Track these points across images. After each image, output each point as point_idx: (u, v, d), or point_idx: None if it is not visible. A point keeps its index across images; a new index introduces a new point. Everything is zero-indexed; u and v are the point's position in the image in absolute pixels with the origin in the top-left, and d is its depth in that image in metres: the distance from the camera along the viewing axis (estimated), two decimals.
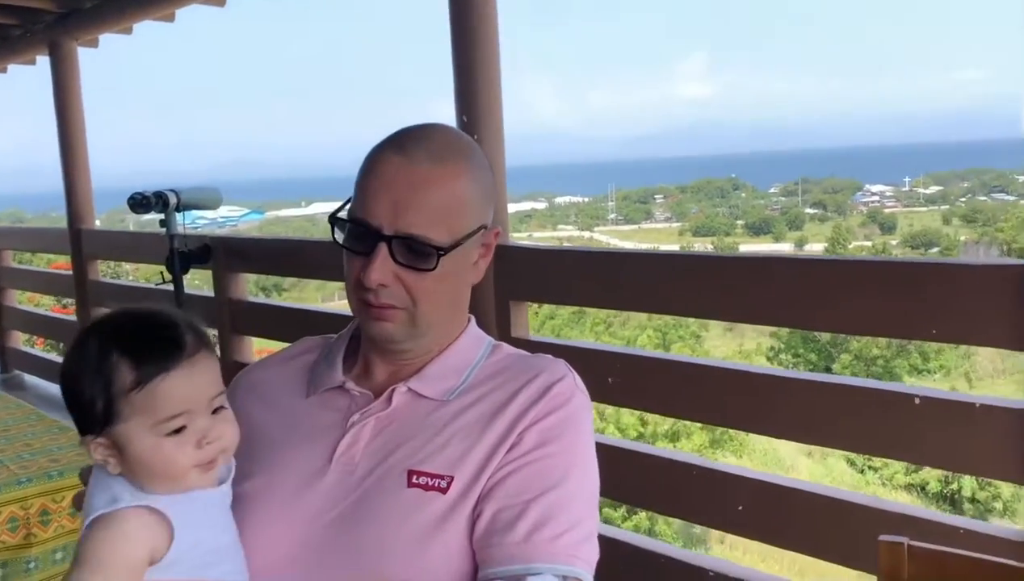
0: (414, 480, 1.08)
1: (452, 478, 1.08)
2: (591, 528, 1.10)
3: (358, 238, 1.12)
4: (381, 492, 1.09)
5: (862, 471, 21.29)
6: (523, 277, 2.80)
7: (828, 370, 24.18)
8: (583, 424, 1.15)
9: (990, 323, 1.89)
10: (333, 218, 1.15)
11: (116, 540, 0.92)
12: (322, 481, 1.11)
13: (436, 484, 1.08)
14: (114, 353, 0.94)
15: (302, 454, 1.13)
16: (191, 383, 0.96)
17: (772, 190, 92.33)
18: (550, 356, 1.21)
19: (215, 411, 0.99)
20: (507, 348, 1.26)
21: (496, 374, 1.19)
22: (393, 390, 1.17)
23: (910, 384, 6.92)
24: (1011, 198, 74.93)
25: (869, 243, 54.21)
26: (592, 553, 1.09)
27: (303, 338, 1.36)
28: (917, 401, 1.98)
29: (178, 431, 0.95)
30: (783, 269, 2.28)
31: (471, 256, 1.18)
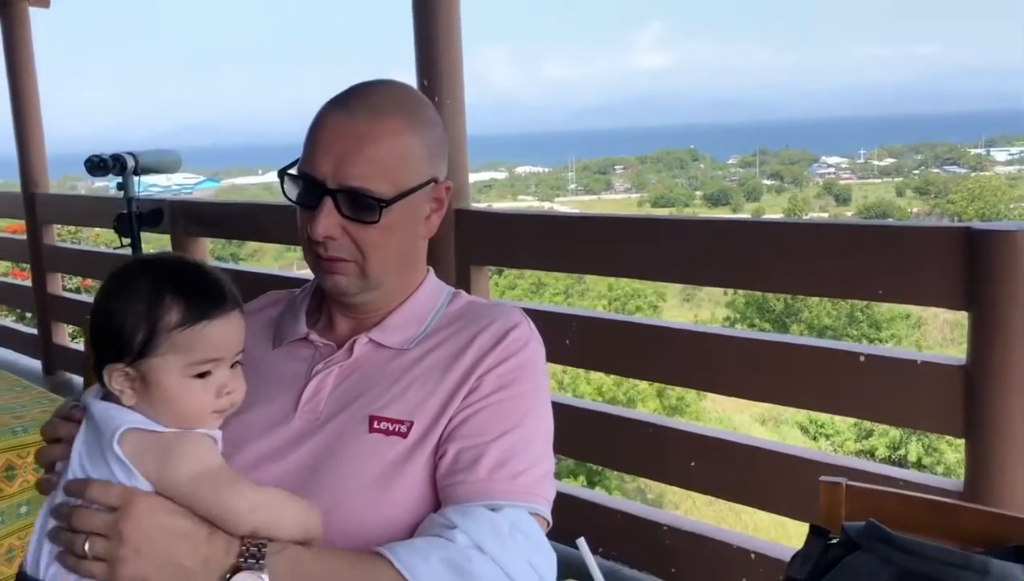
0: (375, 426, 1.13)
1: (412, 423, 1.12)
2: (548, 467, 1.16)
3: (305, 192, 1.16)
4: (344, 438, 1.13)
5: (815, 438, 21.77)
6: (482, 242, 2.84)
7: None
8: (539, 369, 1.20)
9: (934, 283, 1.97)
10: (282, 173, 1.18)
11: (209, 446, 1.00)
12: (288, 427, 1.15)
13: (397, 429, 1.12)
14: (167, 291, 0.99)
15: (269, 402, 1.17)
16: (226, 334, 1.02)
17: (730, 161, 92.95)
18: (506, 302, 1.26)
19: (233, 366, 1.05)
20: (465, 296, 1.30)
21: (453, 321, 1.23)
22: (355, 341, 1.21)
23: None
24: (963, 171, 76.26)
25: (825, 214, 54.92)
26: (550, 491, 1.15)
27: (267, 292, 1.39)
28: (862, 358, 2.06)
29: (203, 375, 1.00)
30: (737, 232, 2.35)
31: (421, 209, 1.20)
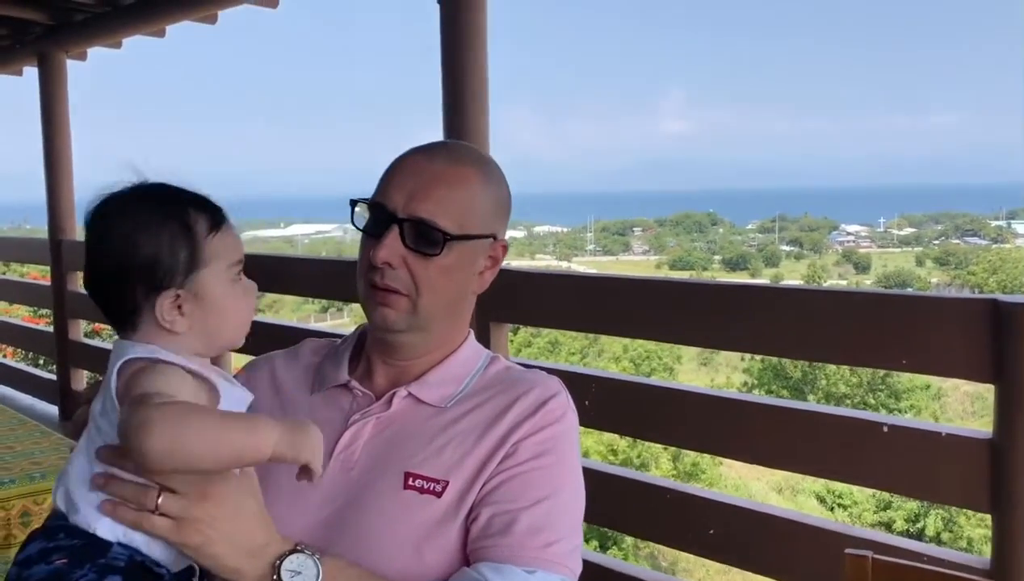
0: (410, 483, 1.12)
1: (447, 483, 1.12)
2: (577, 542, 1.15)
3: (373, 221, 1.19)
4: (377, 492, 1.13)
5: (831, 508, 21.40)
6: (503, 300, 2.84)
7: None
8: (574, 440, 1.20)
9: (959, 355, 1.95)
10: (354, 202, 1.22)
11: (175, 380, 0.96)
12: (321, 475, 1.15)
13: (431, 488, 1.12)
14: (187, 205, 1.00)
15: None
16: (238, 235, 1.05)
17: (749, 226, 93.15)
18: (544, 372, 1.25)
19: None
20: (502, 360, 1.30)
21: (493, 385, 1.23)
22: (394, 393, 1.21)
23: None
24: (983, 242, 76.07)
25: (844, 282, 54.77)
26: (578, 565, 1.14)
27: (306, 339, 1.40)
28: (885, 429, 2.04)
29: (238, 279, 1.03)
30: (758, 298, 2.35)
31: (477, 261, 1.23)
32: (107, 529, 0.94)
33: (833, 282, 56.45)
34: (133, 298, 0.98)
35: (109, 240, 0.98)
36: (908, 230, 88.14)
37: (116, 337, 1.04)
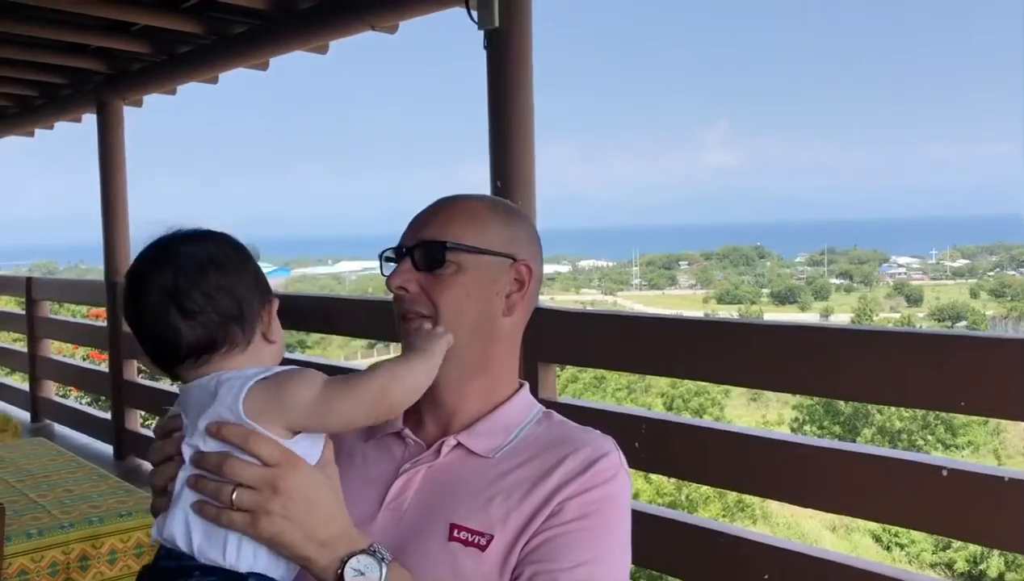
0: (455, 534, 1.12)
1: (492, 536, 1.11)
2: None
3: (390, 261, 1.25)
4: (423, 542, 1.12)
5: (888, 548, 20.84)
6: (550, 339, 2.84)
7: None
8: (623, 503, 1.17)
9: (1019, 397, 1.90)
10: (381, 255, 1.27)
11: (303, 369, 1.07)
12: (372, 525, 1.15)
13: (476, 541, 1.11)
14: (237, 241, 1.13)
15: (357, 496, 1.17)
16: None
17: (798, 259, 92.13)
18: (598, 431, 1.24)
19: None
20: (556, 416, 1.29)
21: (544, 440, 1.22)
22: (443, 442, 1.21)
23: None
24: None
25: (896, 315, 53.77)
26: None
27: None
28: (945, 473, 1.99)
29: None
30: (810, 337, 2.31)
31: (498, 281, 1.23)
32: (244, 562, 1.00)
33: (885, 315, 55.44)
34: (247, 320, 1.07)
35: (212, 271, 1.06)
36: (961, 261, 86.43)
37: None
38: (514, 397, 1.27)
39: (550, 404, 2.45)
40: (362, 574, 0.99)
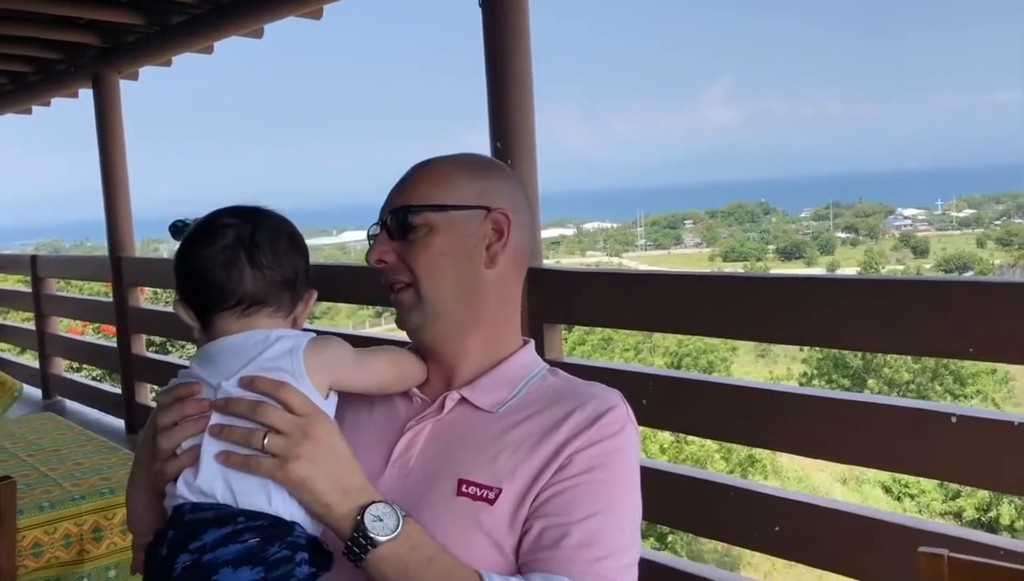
0: (463, 489, 1.12)
1: (500, 490, 1.11)
2: (633, 558, 1.13)
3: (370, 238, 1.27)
4: (430, 498, 1.13)
5: (898, 498, 20.99)
6: (555, 300, 2.83)
7: None
8: (631, 455, 1.17)
9: None
10: (369, 234, 1.27)
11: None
12: (379, 483, 1.15)
13: (484, 495, 1.11)
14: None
15: (364, 454, 1.17)
16: None
17: (803, 214, 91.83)
18: (604, 385, 1.23)
19: None
20: (563, 374, 1.29)
21: (551, 395, 1.21)
22: (446, 397, 1.21)
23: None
24: None
25: (902, 267, 53.75)
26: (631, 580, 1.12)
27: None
28: (953, 419, 1.98)
29: None
30: (815, 289, 2.30)
31: (473, 234, 1.21)
32: (286, 512, 1.03)
33: (891, 267, 55.40)
34: (298, 293, 1.18)
35: (285, 239, 1.17)
36: (968, 211, 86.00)
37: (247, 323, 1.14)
38: (518, 352, 1.27)
39: (556, 364, 2.45)
40: (380, 520, 1.02)
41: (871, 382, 25.49)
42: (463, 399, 1.21)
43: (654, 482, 2.55)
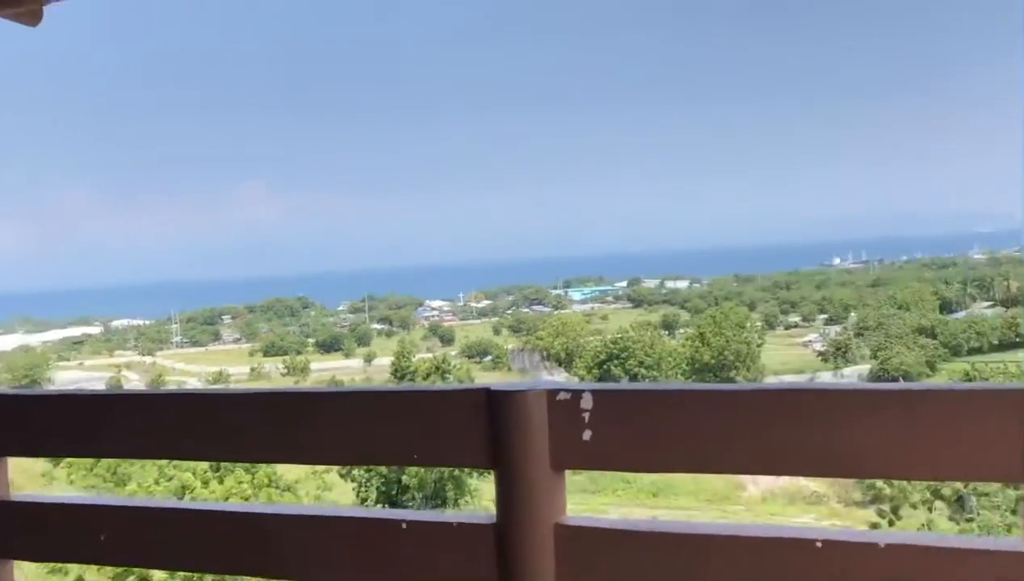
0: None
1: None
2: None
3: None
4: None
5: None
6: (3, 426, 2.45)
7: None
8: None
9: (461, 445, 2.00)
10: None
11: None
12: None
13: None
14: None
15: None
16: None
17: (341, 308, 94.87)
18: None
19: None
20: None
21: None
22: None
23: None
24: (547, 309, 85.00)
25: (431, 355, 57.63)
26: None
27: None
28: (404, 525, 2.03)
29: None
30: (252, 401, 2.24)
31: None
32: None
33: (422, 356, 59.15)
34: None
35: None
36: (485, 303, 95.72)
37: None
38: None
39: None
40: None
41: None
42: None
43: None
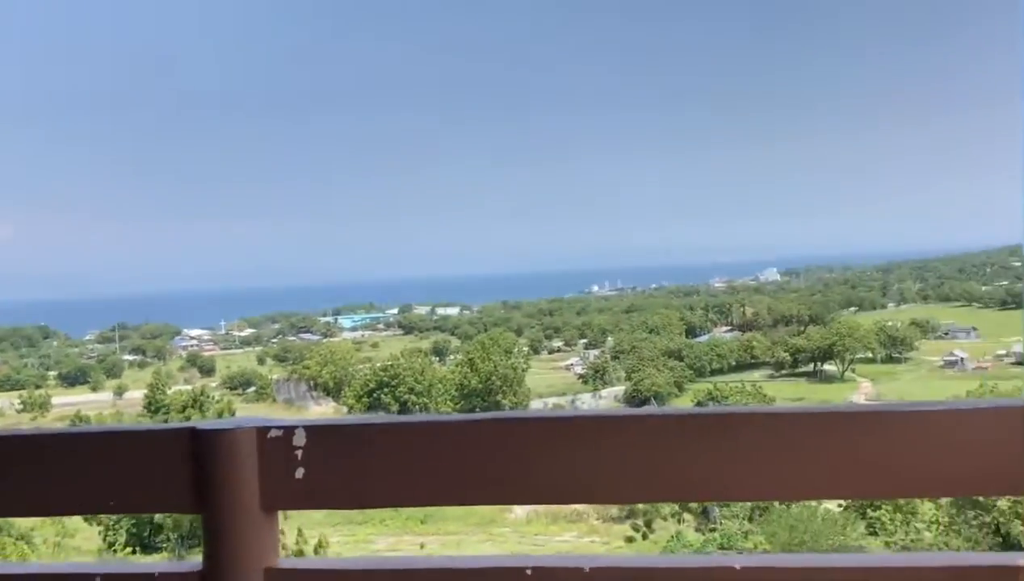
0: None
1: None
2: None
3: None
4: None
5: None
6: None
7: None
8: None
9: (162, 490, 1.86)
10: None
11: None
12: None
13: None
14: None
15: None
16: None
17: (88, 338, 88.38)
18: None
19: None
20: None
21: None
22: None
23: None
24: (316, 337, 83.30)
25: (189, 387, 54.80)
26: None
27: None
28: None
29: None
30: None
31: None
32: None
33: (180, 388, 56.12)
34: None
35: None
36: (248, 331, 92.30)
37: None
38: None
39: None
40: None
41: None
42: None
43: None
